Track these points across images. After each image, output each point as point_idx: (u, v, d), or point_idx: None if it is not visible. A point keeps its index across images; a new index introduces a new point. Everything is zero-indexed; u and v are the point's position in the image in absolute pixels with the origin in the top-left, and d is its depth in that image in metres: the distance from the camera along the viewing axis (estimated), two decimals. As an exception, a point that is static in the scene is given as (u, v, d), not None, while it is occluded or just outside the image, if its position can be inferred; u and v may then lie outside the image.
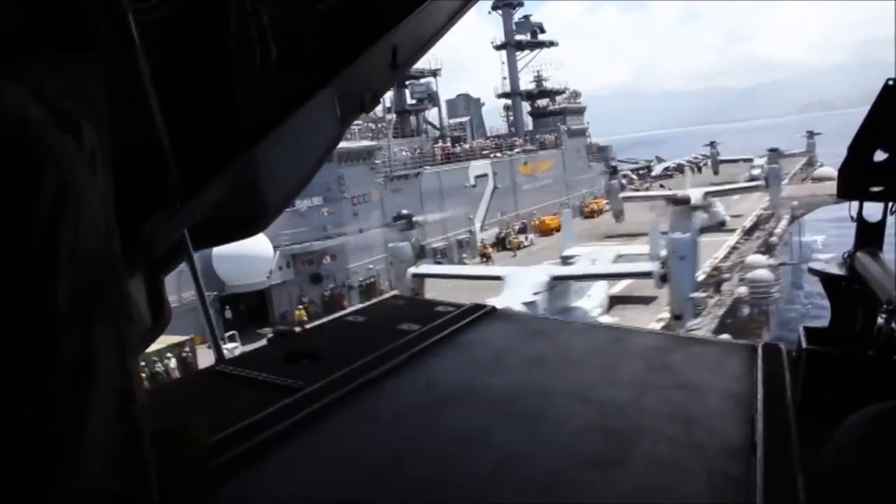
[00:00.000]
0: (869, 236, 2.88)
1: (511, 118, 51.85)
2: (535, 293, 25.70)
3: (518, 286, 26.37)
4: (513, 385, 2.74)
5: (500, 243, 35.31)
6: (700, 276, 26.65)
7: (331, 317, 4.17)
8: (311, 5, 3.82)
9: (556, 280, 27.02)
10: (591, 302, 28.08)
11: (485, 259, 35.55)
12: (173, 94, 3.09)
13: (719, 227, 35.00)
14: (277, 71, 3.48)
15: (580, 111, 48.33)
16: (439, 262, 30.75)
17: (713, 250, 31.22)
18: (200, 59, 3.15)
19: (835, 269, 3.11)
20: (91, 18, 2.61)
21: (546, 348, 3.41)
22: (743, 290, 25.02)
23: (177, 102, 3.11)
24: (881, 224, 2.88)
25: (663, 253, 25.93)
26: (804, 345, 2.76)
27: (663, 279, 25.83)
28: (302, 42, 3.71)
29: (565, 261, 30.24)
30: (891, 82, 2.35)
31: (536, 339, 3.50)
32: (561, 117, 45.23)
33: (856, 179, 2.24)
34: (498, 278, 28.20)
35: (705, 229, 32.57)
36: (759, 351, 3.25)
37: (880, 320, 2.50)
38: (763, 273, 28.40)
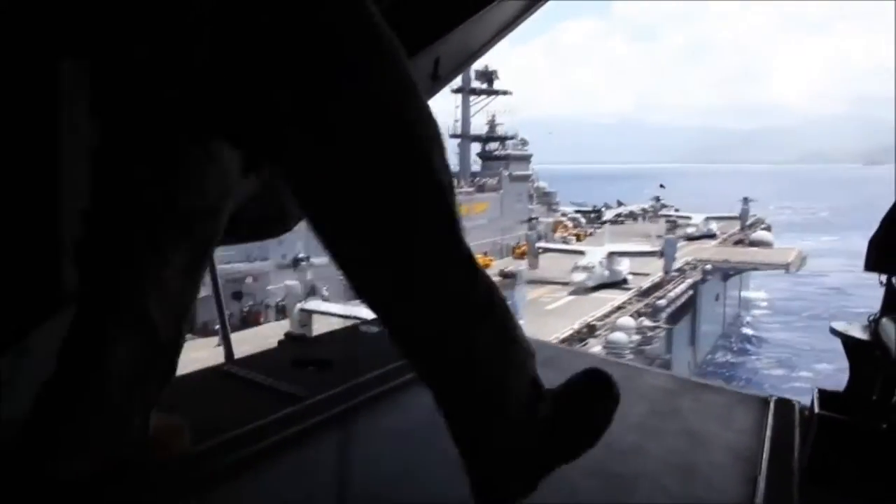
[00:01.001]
0: None
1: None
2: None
3: (593, 255, 32.02)
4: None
5: None
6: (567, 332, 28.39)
7: (344, 325, 4.16)
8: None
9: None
10: None
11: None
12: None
13: (622, 283, 36.09)
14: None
15: (525, 158, 50.40)
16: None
17: (598, 306, 32.43)
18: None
19: (857, 333, 3.05)
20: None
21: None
22: (598, 349, 25.05)
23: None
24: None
25: None
26: (816, 408, 2.71)
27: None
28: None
29: None
30: None
31: (545, 367, 3.46)
32: (505, 162, 47.46)
33: (887, 254, 2.20)
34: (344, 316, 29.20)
35: (606, 286, 35.00)
36: (771, 405, 3.19)
37: (898, 394, 2.45)
38: (619, 336, 29.38)
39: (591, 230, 48.87)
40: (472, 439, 1.64)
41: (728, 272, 40.58)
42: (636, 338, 29.46)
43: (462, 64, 4.47)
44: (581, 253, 36.98)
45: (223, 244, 3.50)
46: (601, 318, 30.88)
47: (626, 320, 30.15)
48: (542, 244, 40.65)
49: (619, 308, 32.08)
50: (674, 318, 33.15)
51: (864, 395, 2.85)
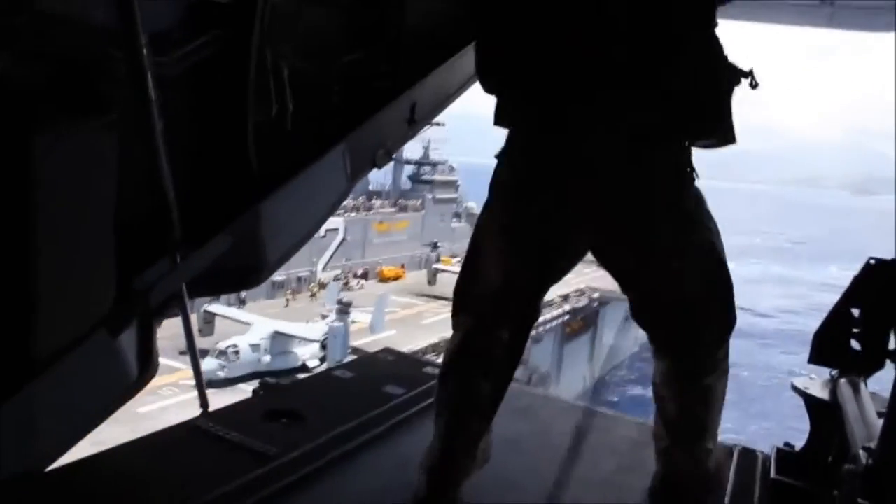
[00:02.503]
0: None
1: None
2: (261, 338, 28.73)
3: (253, 333, 29.14)
4: (487, 473, 2.73)
5: (334, 281, 38.89)
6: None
7: (319, 370, 4.19)
8: (336, 56, 3.88)
9: (277, 333, 29.38)
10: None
11: (312, 295, 38.65)
12: (187, 146, 3.16)
13: None
14: (293, 124, 3.54)
15: (450, 184, 52.69)
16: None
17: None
18: (217, 112, 3.20)
19: (818, 391, 3.11)
20: (109, 82, 2.69)
21: (524, 429, 3.43)
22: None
23: (190, 154, 3.18)
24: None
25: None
26: (773, 471, 2.77)
27: (323, 347, 29.79)
28: (322, 95, 3.77)
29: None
30: (872, 261, 2.37)
31: (518, 416, 3.51)
32: (430, 186, 49.76)
33: (830, 350, 2.27)
34: (247, 324, 30.79)
35: None
36: (735, 456, 3.24)
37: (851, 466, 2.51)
38: None
39: None
40: None
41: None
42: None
43: (438, 106, 4.52)
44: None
45: (200, 295, 3.56)
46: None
47: None
48: (438, 265, 43.44)
49: None
50: (568, 338, 38.17)
51: (822, 455, 2.91)
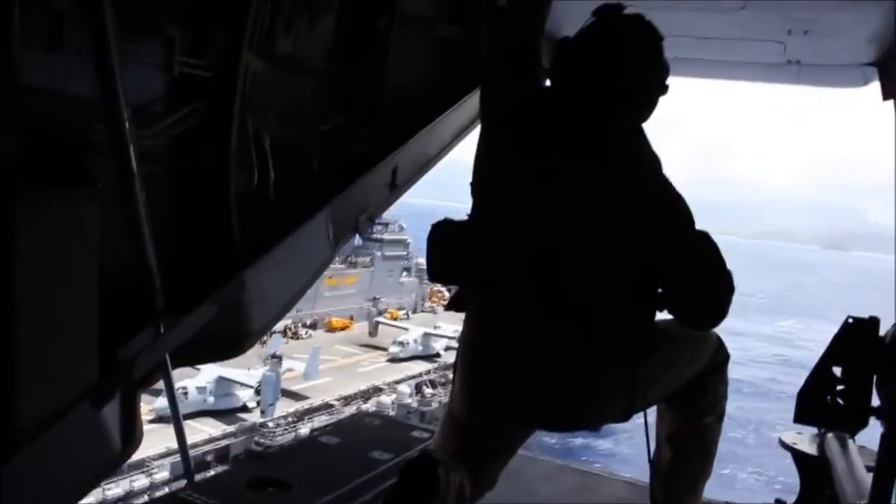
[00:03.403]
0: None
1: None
2: (207, 382, 31.62)
3: (200, 377, 31.27)
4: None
5: (285, 332, 40.44)
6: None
7: (304, 436, 4.13)
8: (318, 123, 3.92)
9: (221, 378, 31.94)
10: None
11: (263, 342, 40.15)
12: (170, 216, 3.18)
13: (435, 357, 41.89)
14: (275, 192, 3.57)
15: (400, 242, 54.56)
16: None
17: (401, 372, 39.66)
18: (199, 182, 3.23)
19: (806, 447, 3.12)
20: (92, 154, 2.71)
21: (511, 492, 3.39)
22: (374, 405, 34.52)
23: (173, 224, 3.19)
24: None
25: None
26: (768, 530, 2.76)
27: (257, 392, 32.67)
28: (303, 162, 3.80)
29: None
30: (850, 320, 2.41)
31: (504, 479, 3.48)
32: (380, 244, 51.57)
33: (814, 409, 2.29)
34: (197, 369, 31.86)
35: (420, 357, 41.30)
36: (729, 513, 3.24)
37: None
38: (384, 398, 36.90)
39: None
40: None
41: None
42: (408, 401, 36.29)
43: (420, 170, 4.57)
44: (405, 329, 43.46)
45: (184, 364, 3.53)
46: (389, 384, 37.26)
47: (403, 387, 37.19)
48: (379, 318, 46.19)
49: (413, 377, 38.75)
50: None
51: (815, 507, 2.90)
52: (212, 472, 26.18)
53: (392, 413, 31.45)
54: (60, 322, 2.53)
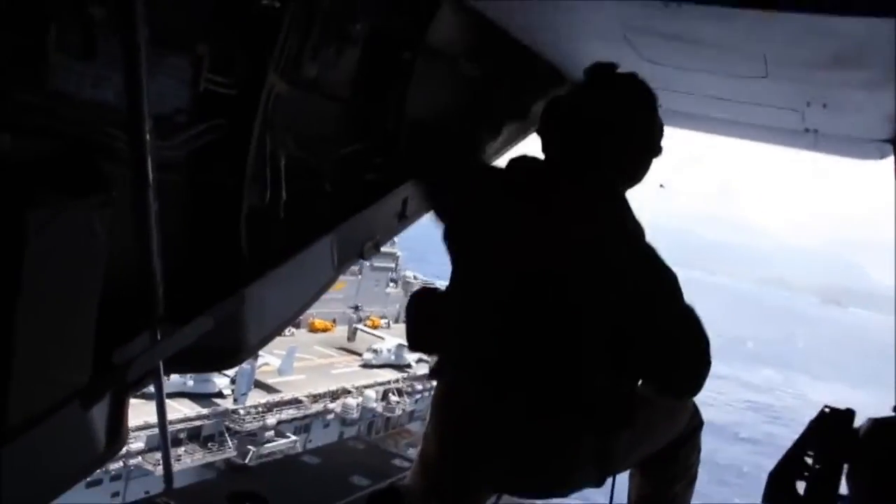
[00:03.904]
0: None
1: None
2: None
3: None
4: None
5: None
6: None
7: (287, 455, 4.18)
8: (335, 148, 4.00)
9: None
10: None
11: None
12: (180, 228, 3.24)
13: (406, 367, 43.76)
14: (285, 211, 3.63)
15: (389, 255, 55.79)
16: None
17: (372, 377, 41.55)
18: (212, 196, 3.29)
19: None
20: (110, 160, 2.78)
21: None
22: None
23: (182, 235, 3.26)
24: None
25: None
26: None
27: (233, 381, 34.55)
28: (316, 184, 3.87)
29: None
30: (827, 409, 2.46)
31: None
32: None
33: (783, 491, 2.33)
34: None
35: (392, 366, 43.17)
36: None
37: None
38: (350, 401, 39.17)
39: None
40: None
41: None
42: (373, 405, 38.91)
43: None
44: (382, 338, 45.40)
45: (177, 372, 3.59)
46: (358, 388, 39.48)
47: (370, 392, 39.56)
48: (359, 325, 48.41)
49: (381, 384, 41.00)
50: None
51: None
52: (182, 449, 28.34)
53: (356, 415, 36.81)
54: (59, 323, 2.59)
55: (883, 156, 5.41)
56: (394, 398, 41.07)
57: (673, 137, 2.61)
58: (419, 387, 41.54)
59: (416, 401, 41.73)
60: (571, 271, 2.27)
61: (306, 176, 3.77)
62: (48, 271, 2.47)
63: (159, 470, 28.35)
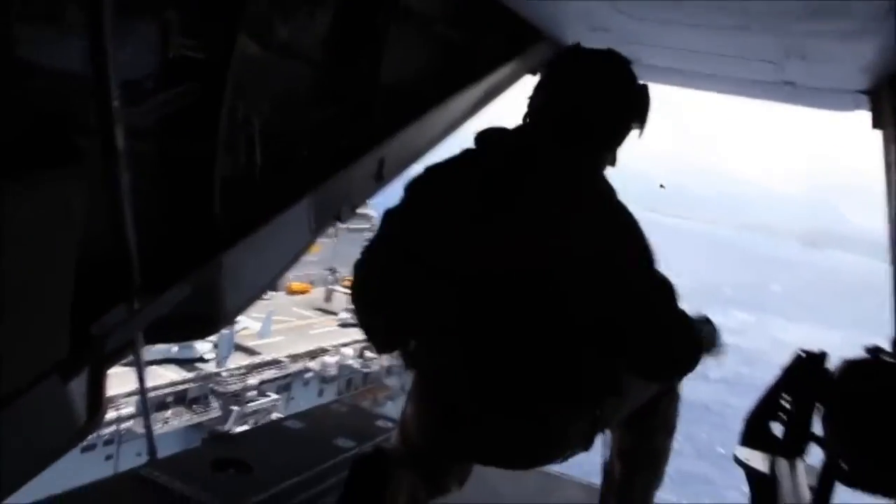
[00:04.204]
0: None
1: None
2: None
3: None
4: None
5: None
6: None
7: (269, 420, 4.19)
8: (309, 111, 3.94)
9: None
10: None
11: None
12: (153, 195, 3.20)
13: None
14: (260, 176, 3.59)
15: (364, 216, 52.32)
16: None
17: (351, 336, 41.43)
18: (185, 162, 3.24)
19: (758, 464, 3.19)
20: (80, 130, 2.73)
21: (472, 492, 3.45)
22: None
23: (155, 203, 3.22)
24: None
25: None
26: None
27: (215, 346, 35.58)
28: (291, 149, 3.83)
29: None
30: (801, 353, 2.48)
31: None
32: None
33: (759, 434, 2.36)
34: None
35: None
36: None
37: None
38: (328, 359, 40.95)
39: None
40: None
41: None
42: (350, 362, 40.14)
43: (407, 163, 4.59)
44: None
45: (156, 342, 3.57)
46: (335, 346, 40.60)
47: (348, 350, 40.45)
48: (334, 287, 48.96)
49: (358, 342, 39.47)
50: None
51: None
52: (170, 412, 29.30)
53: (334, 372, 38.70)
54: (35, 297, 2.55)
55: (859, 106, 5.42)
56: (370, 354, 41.52)
57: (653, 91, 2.53)
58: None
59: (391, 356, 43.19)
60: (559, 259, 2.21)
61: (281, 140, 3.72)
62: (22, 245, 2.44)
63: (154, 430, 28.76)
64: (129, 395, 27.82)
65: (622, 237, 2.27)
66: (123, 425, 30.08)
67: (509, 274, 2.24)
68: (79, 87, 2.70)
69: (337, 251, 51.24)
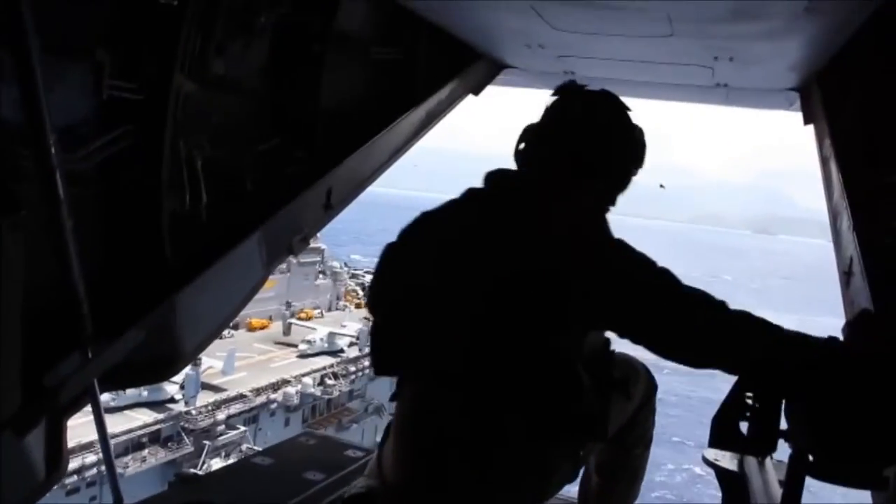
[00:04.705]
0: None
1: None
2: None
3: None
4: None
5: None
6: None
7: (238, 459, 4.12)
8: (252, 144, 3.92)
9: None
10: None
11: None
12: (100, 240, 3.15)
13: (339, 352, 47.67)
14: (208, 214, 3.56)
15: (315, 250, 57.67)
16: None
17: (308, 366, 44.80)
18: (130, 205, 3.20)
19: (727, 463, 3.23)
20: (17, 181, 2.68)
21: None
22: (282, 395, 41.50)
23: (103, 248, 3.17)
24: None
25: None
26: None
27: (182, 387, 36.89)
28: (237, 183, 3.80)
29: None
30: None
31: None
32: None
33: (726, 434, 2.38)
34: None
35: (326, 353, 46.86)
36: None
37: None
38: (290, 389, 42.83)
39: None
40: None
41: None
42: (311, 391, 42.65)
43: (355, 190, 4.59)
44: (314, 329, 49.34)
45: (112, 389, 3.50)
46: (296, 377, 43.03)
47: (307, 379, 43.20)
48: (292, 320, 51.20)
49: (317, 370, 44.43)
50: None
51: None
52: (146, 451, 31.98)
53: (297, 401, 41.08)
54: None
55: (791, 104, 5.56)
56: (330, 382, 44.60)
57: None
58: (352, 368, 45.87)
59: (352, 381, 45.81)
60: (564, 277, 2.17)
61: (226, 176, 3.70)
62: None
63: (131, 470, 31.90)
64: (115, 436, 29.45)
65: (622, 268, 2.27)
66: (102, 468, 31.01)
67: (505, 304, 2.20)
68: (12, 134, 2.66)
69: (291, 285, 53.73)
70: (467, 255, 2.29)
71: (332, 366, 46.36)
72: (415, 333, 2.34)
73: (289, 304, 53.33)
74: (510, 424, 2.25)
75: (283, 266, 52.91)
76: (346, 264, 64.89)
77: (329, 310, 57.14)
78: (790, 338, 2.24)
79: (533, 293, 2.18)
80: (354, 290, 60.06)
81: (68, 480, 29.21)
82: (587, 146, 2.38)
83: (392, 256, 2.52)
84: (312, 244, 57.79)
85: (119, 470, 28.60)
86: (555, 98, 2.47)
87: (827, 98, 4.33)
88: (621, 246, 2.29)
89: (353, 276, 62.37)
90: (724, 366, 2.31)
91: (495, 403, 2.23)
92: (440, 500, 2.34)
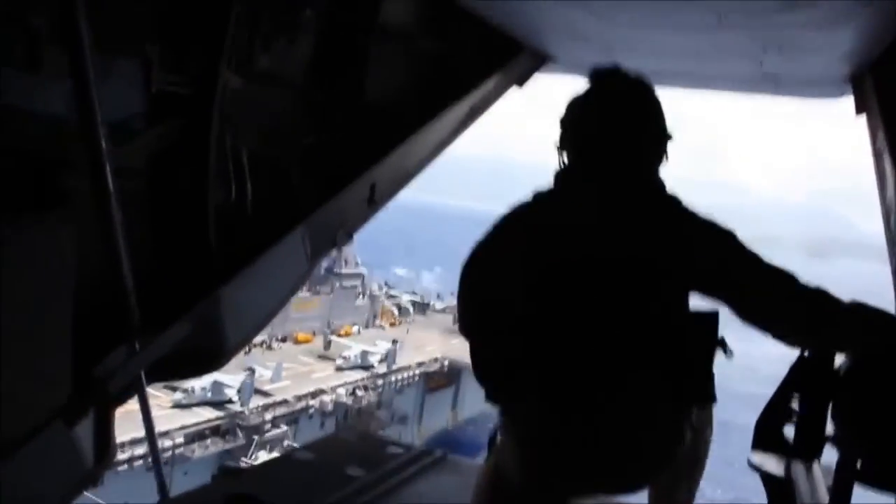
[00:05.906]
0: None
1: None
2: (206, 384, 40.42)
3: (201, 380, 39.29)
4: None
5: (262, 344, 50.06)
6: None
7: (279, 454, 4.17)
8: (297, 138, 3.94)
9: (216, 382, 40.98)
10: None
11: (246, 352, 45.30)
12: (148, 233, 3.19)
13: (371, 368, 51.91)
14: (253, 208, 3.58)
15: (356, 275, 62.53)
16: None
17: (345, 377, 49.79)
18: (177, 198, 3.23)
19: (773, 467, 3.16)
20: (69, 173, 2.71)
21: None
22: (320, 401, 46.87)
23: (151, 241, 3.20)
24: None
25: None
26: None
27: (238, 391, 42.58)
28: (282, 177, 3.82)
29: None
30: (805, 354, 2.48)
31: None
32: (338, 277, 59.60)
33: (771, 438, 2.34)
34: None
35: (359, 367, 51.32)
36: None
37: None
38: (325, 398, 47.59)
39: (405, 319, 63.56)
40: None
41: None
42: (344, 400, 47.77)
43: (398, 185, 4.59)
44: (350, 346, 54.09)
45: (159, 380, 3.54)
46: (332, 387, 48.11)
47: (341, 390, 48.27)
48: (332, 337, 55.90)
49: (350, 383, 49.33)
50: (431, 390, 54.41)
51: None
52: (208, 441, 39.02)
53: (331, 408, 46.51)
54: (35, 342, 2.53)
55: (841, 93, 5.44)
56: (360, 393, 50.49)
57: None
58: (380, 382, 51.93)
59: (379, 393, 51.72)
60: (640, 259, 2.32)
61: (271, 170, 3.72)
62: (15, 292, 2.42)
63: (197, 454, 36.89)
64: (178, 429, 36.49)
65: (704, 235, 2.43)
66: (178, 450, 36.69)
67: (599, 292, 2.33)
68: (65, 129, 2.69)
69: (333, 305, 59.23)
70: (580, 251, 2.39)
71: (363, 379, 51.88)
72: (535, 336, 2.41)
73: (329, 323, 58.60)
74: (656, 393, 2.34)
75: (328, 288, 59.53)
76: (386, 283, 69.96)
77: (366, 327, 62.05)
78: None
79: (649, 270, 2.32)
80: (391, 310, 64.94)
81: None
82: (641, 133, 2.51)
83: (480, 273, 2.58)
84: (354, 270, 63.40)
85: (187, 454, 36.84)
86: (592, 86, 2.57)
87: (881, 88, 4.22)
88: (706, 218, 2.44)
89: (390, 297, 66.98)
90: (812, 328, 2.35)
91: (639, 375, 2.33)
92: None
